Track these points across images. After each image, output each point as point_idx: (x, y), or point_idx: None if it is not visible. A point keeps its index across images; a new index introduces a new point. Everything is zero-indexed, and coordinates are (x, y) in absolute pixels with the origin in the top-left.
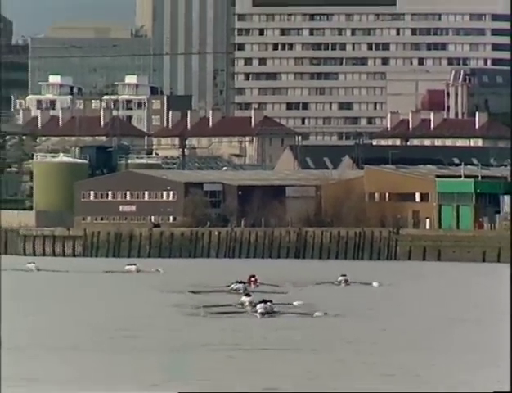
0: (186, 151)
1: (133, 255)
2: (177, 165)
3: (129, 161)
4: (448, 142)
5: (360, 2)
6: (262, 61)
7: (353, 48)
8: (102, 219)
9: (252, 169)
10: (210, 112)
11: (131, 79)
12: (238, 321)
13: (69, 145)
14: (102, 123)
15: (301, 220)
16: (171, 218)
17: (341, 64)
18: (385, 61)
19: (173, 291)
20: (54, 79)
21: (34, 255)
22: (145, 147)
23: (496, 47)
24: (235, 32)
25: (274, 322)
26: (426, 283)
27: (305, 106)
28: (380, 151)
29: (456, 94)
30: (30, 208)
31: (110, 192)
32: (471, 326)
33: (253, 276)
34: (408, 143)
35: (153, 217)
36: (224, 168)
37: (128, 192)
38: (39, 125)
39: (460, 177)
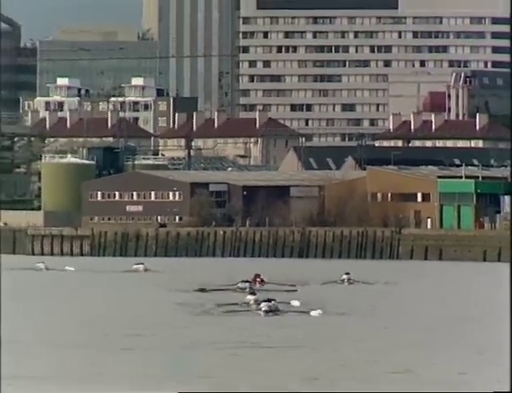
0: (192, 152)
1: (140, 255)
2: (182, 166)
3: (136, 162)
4: (449, 144)
5: (362, 6)
6: (267, 64)
7: (356, 51)
8: (109, 219)
9: (256, 170)
10: (215, 114)
11: (137, 81)
12: (242, 319)
13: (76, 146)
14: (109, 124)
15: (305, 220)
16: (177, 218)
17: (344, 66)
18: (387, 64)
19: (181, 290)
20: (62, 81)
21: (42, 254)
22: (152, 148)
23: (496, 49)
24: (240, 35)
25: (277, 320)
26: (428, 282)
27: (309, 107)
28: (383, 152)
29: (457, 96)
30: (38, 208)
31: (117, 193)
32: (472, 325)
33: (259, 275)
34: (410, 144)
35: (159, 217)
36: (229, 168)
37: (134, 193)
38: (47, 127)
39: (461, 177)
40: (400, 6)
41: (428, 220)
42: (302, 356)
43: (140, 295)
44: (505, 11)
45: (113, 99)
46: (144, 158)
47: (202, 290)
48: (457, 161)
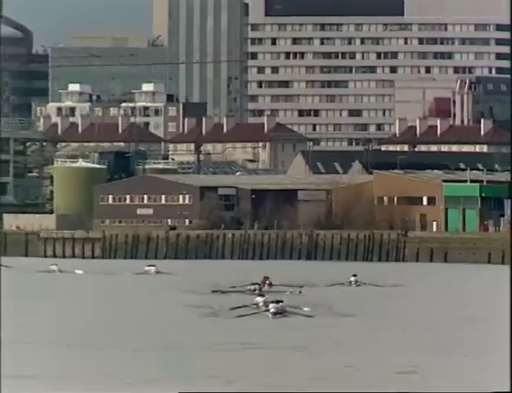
0: (201, 157)
1: (150, 257)
2: (192, 170)
3: (146, 166)
4: (454, 148)
5: (369, 13)
6: (275, 70)
7: (363, 57)
8: (120, 222)
9: (265, 174)
10: (224, 119)
11: (148, 86)
12: (250, 321)
13: (88, 151)
14: (120, 129)
15: (312, 223)
16: (187, 221)
17: (351, 72)
18: (393, 70)
19: (195, 291)
20: (73, 87)
21: (55, 257)
22: (162, 153)
23: (500, 56)
24: (249, 41)
25: (285, 321)
26: (436, 284)
27: (316, 112)
28: (389, 157)
29: (462, 102)
30: (51, 211)
31: (127, 196)
32: (476, 326)
33: (267, 278)
34: (416, 149)
35: (169, 220)
36: (238, 172)
37: (145, 196)
38: (59, 132)
39: (465, 181)
40: (406, 13)
41: (434, 223)
42: (308, 357)
43: (152, 296)
44: (508, 18)
45: (124, 104)
46: (154, 162)
47: (217, 291)
48: (462, 165)
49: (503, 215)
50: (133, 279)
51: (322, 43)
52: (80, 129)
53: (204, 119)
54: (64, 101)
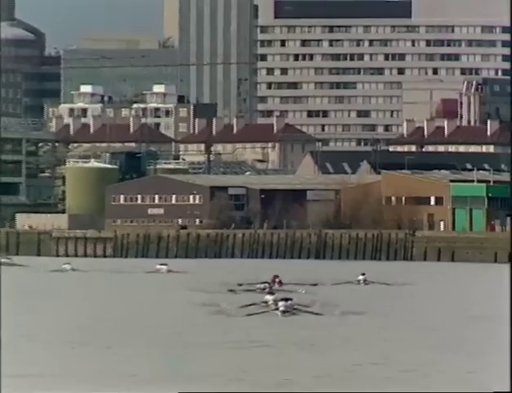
0: (212, 157)
1: (161, 256)
2: (202, 170)
3: (157, 166)
4: (461, 149)
5: (377, 15)
6: (284, 71)
7: (371, 59)
8: (132, 222)
9: (274, 174)
10: (234, 120)
11: (159, 88)
12: (259, 319)
13: (99, 151)
14: (132, 130)
15: (321, 222)
16: (197, 220)
17: (359, 74)
18: (401, 71)
19: (202, 290)
20: (85, 88)
21: (67, 256)
22: (173, 153)
23: (506, 57)
24: (258, 43)
25: (294, 320)
26: (444, 283)
27: (325, 113)
28: (397, 157)
29: (469, 103)
30: (63, 211)
31: (139, 196)
32: (482, 324)
33: (277, 276)
34: (423, 149)
35: (180, 219)
36: (248, 172)
37: (156, 196)
38: (71, 132)
39: (472, 181)
40: (413, 16)
41: (441, 223)
42: (316, 355)
43: (162, 295)
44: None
45: (135, 105)
46: (165, 162)
47: (233, 290)
48: (469, 166)
49: (509, 215)
50: (145, 278)
51: (331, 45)
52: (92, 130)
53: (214, 120)
54: (76, 102)
